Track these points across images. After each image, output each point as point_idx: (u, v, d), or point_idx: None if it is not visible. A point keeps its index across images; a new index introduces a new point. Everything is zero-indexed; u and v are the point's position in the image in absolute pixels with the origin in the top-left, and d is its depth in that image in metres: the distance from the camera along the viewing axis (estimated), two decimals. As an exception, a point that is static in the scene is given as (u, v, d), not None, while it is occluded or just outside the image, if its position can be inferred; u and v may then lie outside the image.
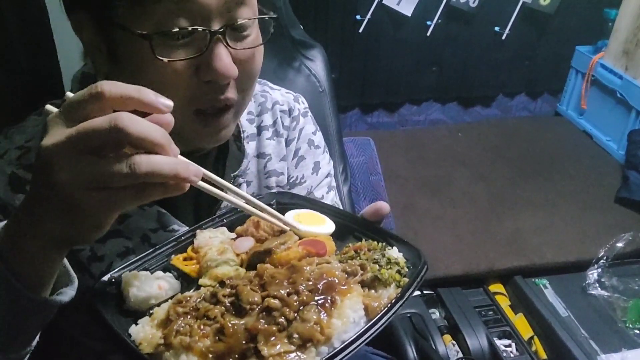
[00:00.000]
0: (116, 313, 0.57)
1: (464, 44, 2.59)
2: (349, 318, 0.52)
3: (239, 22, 0.65)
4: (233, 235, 0.68)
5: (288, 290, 0.53)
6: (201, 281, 0.60)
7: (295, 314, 0.51)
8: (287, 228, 0.66)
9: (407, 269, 0.61)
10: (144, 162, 0.46)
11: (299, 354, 0.49)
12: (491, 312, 1.74)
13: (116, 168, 0.46)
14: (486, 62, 2.67)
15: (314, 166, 0.96)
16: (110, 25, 0.63)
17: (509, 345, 1.65)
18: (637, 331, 1.60)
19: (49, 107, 0.51)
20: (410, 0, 2.40)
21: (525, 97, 2.88)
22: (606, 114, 2.54)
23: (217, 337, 0.50)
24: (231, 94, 0.69)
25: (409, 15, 2.42)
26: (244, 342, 0.49)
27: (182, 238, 0.68)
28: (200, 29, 0.62)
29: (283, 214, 0.66)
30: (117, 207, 0.49)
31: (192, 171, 0.49)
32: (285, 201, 0.73)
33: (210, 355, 0.49)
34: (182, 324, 0.51)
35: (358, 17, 2.43)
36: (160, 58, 0.61)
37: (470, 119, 2.85)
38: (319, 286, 0.53)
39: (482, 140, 2.56)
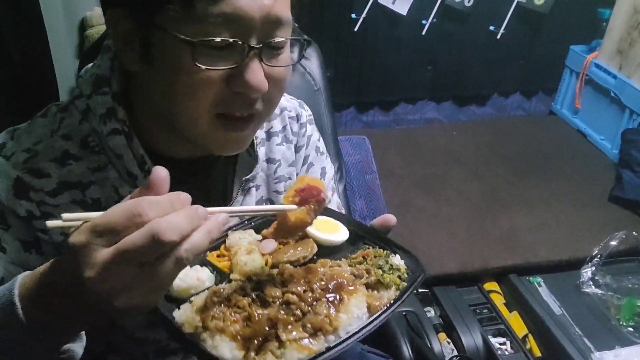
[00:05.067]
0: (162, 298, 0.66)
1: (459, 43, 2.60)
2: (354, 313, 0.62)
3: (275, 41, 0.68)
4: (259, 237, 0.77)
5: (304, 288, 0.63)
6: (232, 276, 0.70)
7: (309, 308, 0.62)
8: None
9: (406, 275, 0.71)
10: (186, 249, 0.49)
11: (310, 340, 0.59)
12: (486, 310, 1.75)
13: (165, 268, 0.49)
14: (481, 61, 2.67)
15: (321, 172, 0.99)
16: (151, 26, 0.65)
17: (504, 343, 1.66)
18: (630, 329, 1.61)
19: (50, 223, 0.51)
20: (405, -1, 2.40)
21: (520, 96, 2.89)
22: (600, 113, 2.55)
23: (245, 323, 0.61)
24: (258, 105, 0.71)
25: (404, 14, 2.43)
26: (266, 328, 0.60)
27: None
28: (240, 42, 0.64)
29: None
30: (166, 287, 0.53)
31: (222, 223, 0.52)
32: None
33: (239, 337, 0.59)
34: (217, 311, 0.62)
35: (353, 15, 2.43)
36: (199, 65, 0.63)
37: (465, 118, 2.85)
38: (330, 286, 0.64)
39: (477, 139, 2.56)
